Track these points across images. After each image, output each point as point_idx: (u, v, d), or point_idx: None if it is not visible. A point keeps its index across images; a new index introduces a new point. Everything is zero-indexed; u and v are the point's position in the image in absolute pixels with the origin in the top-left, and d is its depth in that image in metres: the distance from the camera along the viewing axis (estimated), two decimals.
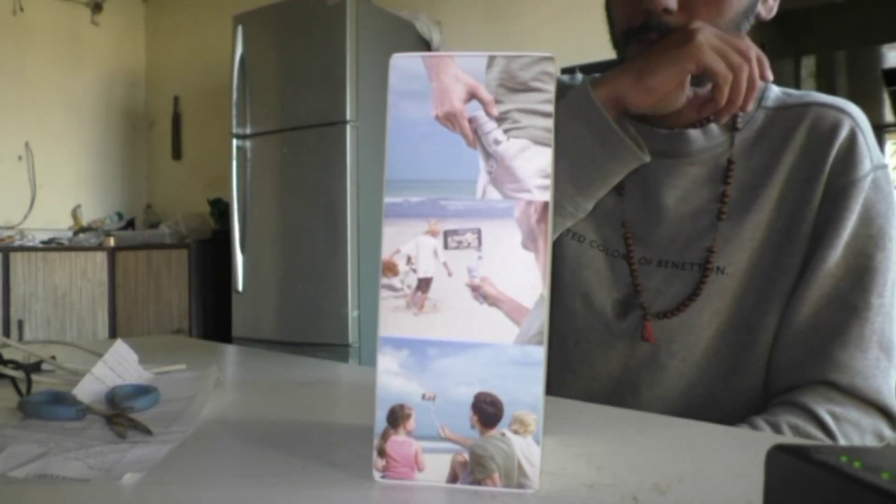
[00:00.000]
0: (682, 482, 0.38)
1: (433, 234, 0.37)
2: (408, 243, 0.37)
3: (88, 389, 0.57)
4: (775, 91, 0.77)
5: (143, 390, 0.56)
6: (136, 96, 4.55)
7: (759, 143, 0.74)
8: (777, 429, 0.64)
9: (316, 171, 2.70)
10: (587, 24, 2.52)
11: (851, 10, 2.05)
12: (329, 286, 2.64)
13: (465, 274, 0.37)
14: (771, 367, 0.71)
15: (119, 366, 0.62)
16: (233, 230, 3.01)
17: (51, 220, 4.06)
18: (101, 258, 3.51)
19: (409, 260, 0.37)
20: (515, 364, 0.36)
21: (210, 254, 3.36)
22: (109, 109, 4.40)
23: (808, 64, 2.22)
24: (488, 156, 0.37)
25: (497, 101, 0.37)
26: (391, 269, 0.37)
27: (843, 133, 0.71)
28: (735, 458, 0.44)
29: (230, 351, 0.97)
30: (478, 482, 0.36)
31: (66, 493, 0.35)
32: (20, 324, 3.36)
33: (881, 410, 0.67)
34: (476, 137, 0.37)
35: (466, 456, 0.36)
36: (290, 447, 0.44)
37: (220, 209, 3.54)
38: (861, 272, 0.69)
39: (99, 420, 0.49)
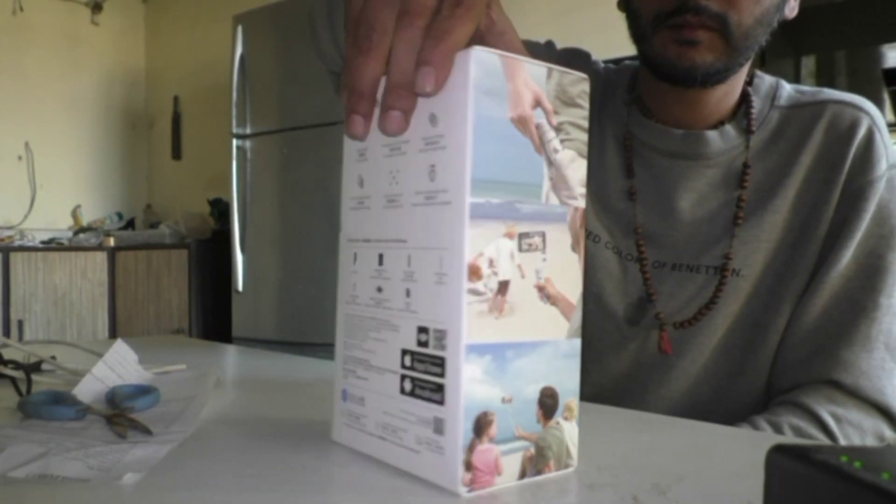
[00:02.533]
0: (682, 482, 0.38)
1: (510, 236, 0.37)
2: (489, 246, 0.36)
3: (88, 389, 0.57)
4: (787, 89, 0.76)
5: (143, 390, 0.56)
6: (136, 96, 4.55)
7: (775, 144, 0.73)
8: (778, 429, 0.64)
9: (316, 171, 2.70)
10: (587, 24, 2.52)
11: (851, 10, 2.05)
12: (329, 286, 2.64)
13: (534, 276, 0.38)
14: (776, 364, 0.71)
15: (119, 366, 0.62)
16: (233, 230, 3.01)
17: (51, 220, 4.06)
18: (101, 258, 3.51)
19: (490, 263, 0.36)
20: (566, 357, 0.39)
21: (210, 254, 3.37)
22: (109, 109, 4.41)
23: (808, 64, 2.22)
24: (549, 162, 0.38)
25: (555, 112, 0.39)
26: (476, 273, 0.36)
27: (861, 132, 0.71)
28: (735, 458, 0.44)
29: (230, 351, 0.97)
30: (538, 472, 0.38)
31: (66, 493, 0.35)
32: (20, 324, 3.36)
33: (883, 412, 0.67)
34: (541, 144, 0.38)
35: (533, 450, 0.38)
36: (290, 447, 0.44)
37: (220, 209, 3.54)
38: (871, 272, 0.69)
39: (99, 420, 0.49)
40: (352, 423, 0.42)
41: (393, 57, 0.37)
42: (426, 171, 0.37)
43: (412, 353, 0.38)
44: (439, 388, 0.36)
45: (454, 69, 0.36)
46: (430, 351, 0.37)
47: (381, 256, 0.41)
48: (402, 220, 0.39)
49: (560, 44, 0.88)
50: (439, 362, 0.36)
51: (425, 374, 0.37)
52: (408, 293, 0.38)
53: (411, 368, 0.38)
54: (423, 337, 0.37)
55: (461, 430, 0.35)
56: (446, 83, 0.36)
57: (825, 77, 2.21)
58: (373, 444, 0.41)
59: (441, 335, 0.36)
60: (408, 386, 0.38)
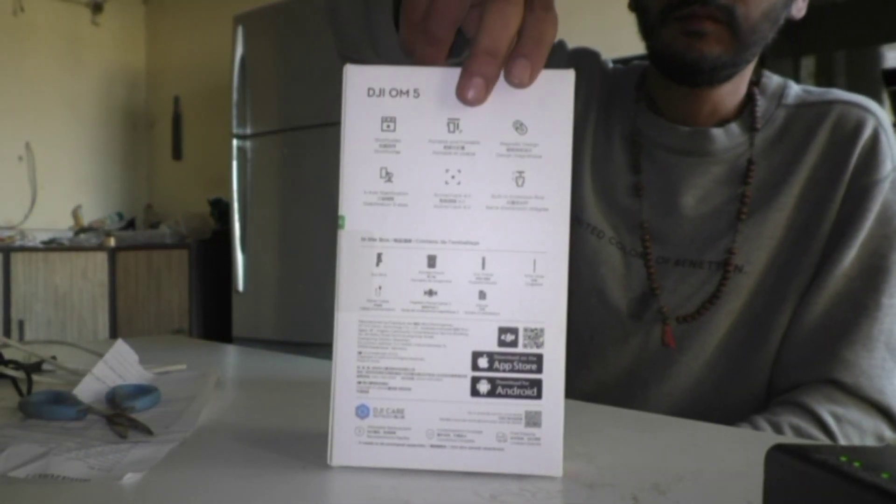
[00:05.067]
0: (682, 482, 0.38)
1: None
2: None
3: (89, 389, 0.57)
4: (795, 89, 0.77)
5: (143, 390, 0.56)
6: (137, 96, 4.55)
7: (781, 142, 0.74)
8: (778, 429, 0.64)
9: (316, 171, 2.70)
10: (587, 25, 2.52)
11: (851, 10, 2.05)
12: (329, 286, 2.63)
13: None
14: (777, 363, 0.71)
15: (119, 366, 0.62)
16: (233, 230, 3.01)
17: (51, 220, 4.06)
18: (101, 258, 3.51)
19: None
20: None
21: (210, 254, 3.36)
22: (110, 109, 4.40)
23: (808, 64, 2.21)
24: None
25: None
26: None
27: (867, 132, 0.71)
28: (735, 458, 0.44)
29: (230, 351, 0.97)
30: None
31: (67, 493, 0.35)
32: (21, 324, 3.36)
33: (883, 412, 0.67)
34: None
35: None
36: (290, 447, 0.44)
37: (221, 209, 3.53)
38: (874, 272, 0.69)
39: (99, 420, 0.49)
40: (378, 439, 0.39)
41: (486, 24, 0.37)
42: (510, 176, 0.39)
43: (491, 354, 0.39)
44: (534, 384, 0.39)
45: (555, 86, 0.39)
46: (520, 350, 0.39)
47: (432, 258, 0.39)
48: (468, 221, 0.39)
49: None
50: (534, 359, 0.38)
51: (513, 372, 0.39)
52: (482, 295, 0.39)
53: (490, 369, 0.39)
54: (509, 337, 0.39)
55: (561, 419, 0.38)
56: (543, 96, 0.38)
57: (825, 77, 2.21)
58: (420, 455, 0.39)
59: (537, 333, 0.38)
60: (484, 387, 0.39)
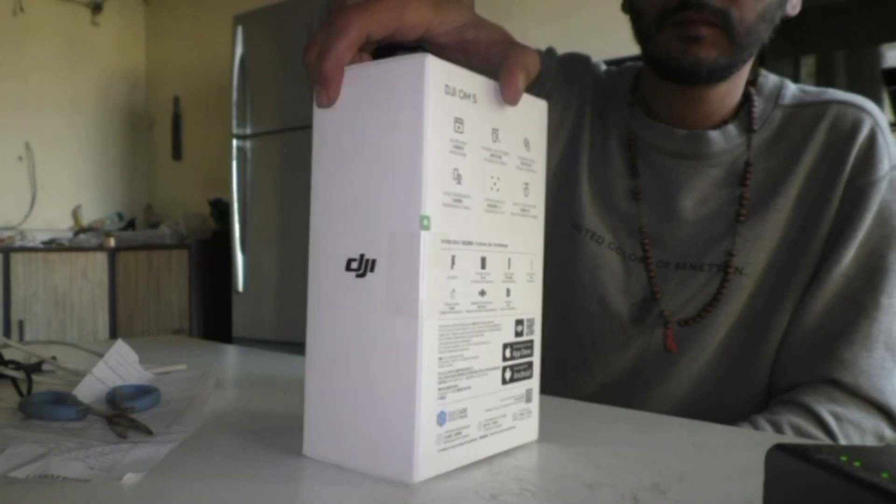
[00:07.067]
0: (682, 482, 0.38)
1: None
2: None
3: (89, 390, 0.57)
4: (792, 89, 0.77)
5: (143, 390, 0.56)
6: (137, 96, 4.55)
7: (778, 143, 0.74)
8: (778, 428, 0.64)
9: None
10: (586, 24, 2.52)
11: (851, 10, 2.05)
12: None
13: None
14: (777, 363, 0.71)
15: (120, 366, 0.62)
16: (233, 230, 3.02)
17: (51, 220, 4.06)
18: (101, 259, 3.51)
19: None
20: None
21: (210, 254, 3.36)
22: (109, 109, 4.40)
23: (808, 64, 2.21)
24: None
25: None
26: None
27: (864, 132, 0.71)
28: (735, 458, 0.44)
29: (230, 351, 0.97)
30: None
31: (67, 494, 0.35)
32: (21, 324, 3.36)
33: (883, 411, 0.67)
34: None
35: None
36: (290, 447, 0.44)
37: (221, 209, 3.54)
38: (873, 271, 0.69)
39: (99, 420, 0.49)
40: (449, 443, 0.38)
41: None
42: (522, 186, 0.43)
43: (511, 345, 0.43)
44: (530, 365, 0.45)
45: (537, 111, 0.44)
46: (525, 338, 0.44)
47: (483, 259, 0.40)
48: (501, 225, 0.42)
49: (559, 45, 0.88)
50: (530, 345, 0.45)
51: (521, 358, 0.44)
52: (508, 292, 0.42)
53: (510, 358, 0.43)
54: (520, 328, 0.44)
55: (538, 390, 0.46)
56: (534, 119, 0.44)
57: (825, 77, 2.21)
58: (472, 449, 0.40)
59: (532, 322, 0.45)
60: (508, 374, 0.43)
